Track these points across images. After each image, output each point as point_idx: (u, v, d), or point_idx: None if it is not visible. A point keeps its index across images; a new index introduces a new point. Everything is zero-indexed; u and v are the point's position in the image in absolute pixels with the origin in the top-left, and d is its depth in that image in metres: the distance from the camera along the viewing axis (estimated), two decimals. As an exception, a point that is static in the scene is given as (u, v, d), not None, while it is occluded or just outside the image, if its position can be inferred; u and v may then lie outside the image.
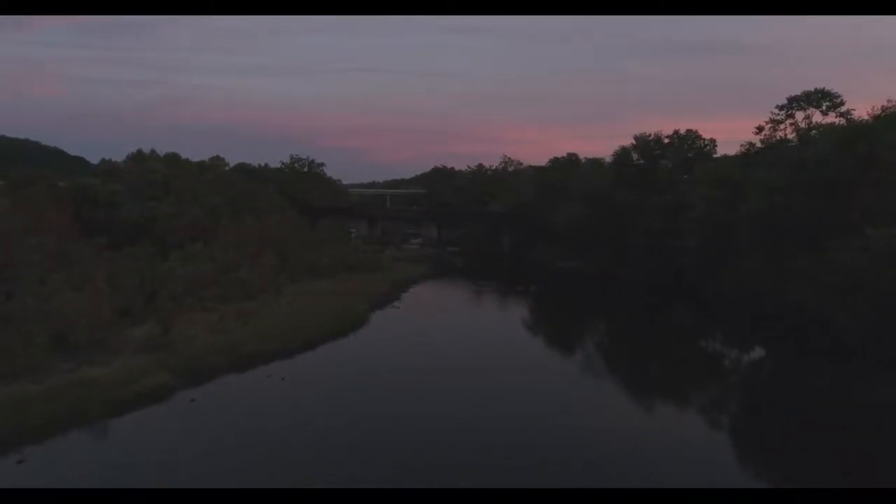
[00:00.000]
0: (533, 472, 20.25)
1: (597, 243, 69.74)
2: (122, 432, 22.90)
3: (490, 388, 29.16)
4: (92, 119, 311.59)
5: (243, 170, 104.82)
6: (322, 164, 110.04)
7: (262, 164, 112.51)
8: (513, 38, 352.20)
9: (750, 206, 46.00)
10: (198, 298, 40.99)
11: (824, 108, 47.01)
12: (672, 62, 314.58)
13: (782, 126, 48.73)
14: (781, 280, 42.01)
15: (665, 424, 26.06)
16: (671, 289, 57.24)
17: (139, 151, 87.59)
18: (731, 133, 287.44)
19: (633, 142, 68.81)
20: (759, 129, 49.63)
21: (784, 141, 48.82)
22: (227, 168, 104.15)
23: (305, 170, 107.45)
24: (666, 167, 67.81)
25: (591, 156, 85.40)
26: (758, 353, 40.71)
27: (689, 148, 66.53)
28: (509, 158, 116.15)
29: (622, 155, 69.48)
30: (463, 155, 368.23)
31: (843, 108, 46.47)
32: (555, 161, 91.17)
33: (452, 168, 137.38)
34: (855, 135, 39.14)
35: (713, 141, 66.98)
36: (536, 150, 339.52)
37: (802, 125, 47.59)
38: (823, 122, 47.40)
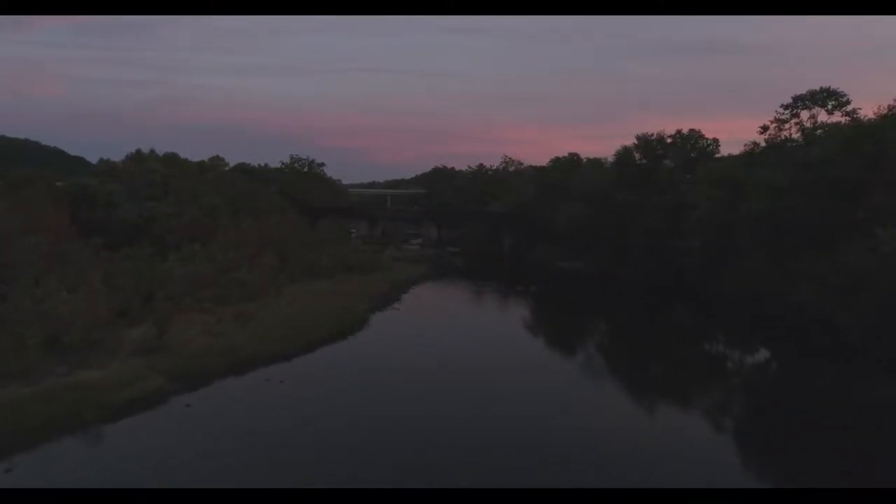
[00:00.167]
0: (533, 472, 20.13)
1: (597, 243, 69.41)
2: (114, 439, 22.41)
3: (490, 388, 29.14)
4: (92, 119, 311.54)
5: (243, 170, 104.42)
6: (322, 164, 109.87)
7: (262, 164, 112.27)
8: (513, 38, 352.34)
9: (752, 206, 45.60)
10: (196, 299, 40.45)
11: (830, 107, 46.46)
12: (672, 62, 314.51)
13: (787, 126, 48.17)
14: (783, 280, 41.77)
15: (664, 424, 26.08)
16: (672, 289, 57.07)
17: (138, 151, 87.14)
18: (732, 133, 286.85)
19: (636, 141, 68.44)
20: (764, 128, 49.12)
21: (789, 140, 48.29)
22: (227, 168, 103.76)
23: (305, 170, 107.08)
24: (668, 167, 67.37)
25: (591, 156, 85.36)
26: (758, 352, 40.40)
27: (692, 148, 66.06)
28: (510, 158, 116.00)
29: (624, 154, 69.06)
30: (463, 155, 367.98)
31: (849, 108, 45.88)
32: (556, 161, 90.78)
33: (453, 168, 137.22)
34: (862, 134, 38.62)
35: (716, 141, 66.57)
36: (536, 150, 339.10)
37: (808, 125, 47.02)
38: (829, 121, 46.87)
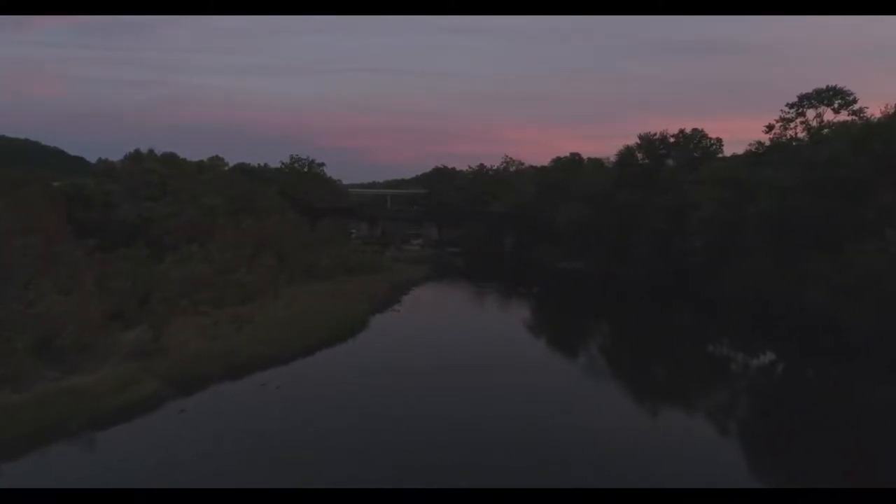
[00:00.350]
0: (533, 472, 20.14)
1: (598, 243, 68.88)
2: (104, 447, 21.73)
3: (490, 389, 29.14)
4: (92, 119, 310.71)
5: (243, 170, 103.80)
6: (322, 165, 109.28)
7: (262, 165, 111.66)
8: (513, 38, 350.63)
9: (758, 206, 45.08)
10: (192, 301, 39.79)
11: (836, 106, 45.82)
12: (672, 62, 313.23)
13: (793, 125, 47.53)
14: (788, 281, 41.38)
15: (664, 424, 26.11)
16: (673, 289, 56.71)
17: (137, 151, 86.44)
18: (732, 133, 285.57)
19: (638, 141, 67.79)
20: (769, 127, 48.47)
21: (794, 140, 47.67)
22: (227, 168, 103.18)
23: (305, 170, 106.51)
24: (671, 167, 66.76)
25: (591, 156, 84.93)
26: (761, 353, 39.97)
27: (695, 147, 65.45)
28: (510, 158, 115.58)
29: (626, 154, 68.44)
30: (463, 155, 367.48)
31: (856, 107, 45.24)
32: (557, 161, 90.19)
33: (453, 168, 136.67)
34: (870, 133, 37.96)
35: (719, 140, 65.98)
36: (537, 150, 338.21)
37: (814, 124, 46.37)
38: (835, 120, 46.25)
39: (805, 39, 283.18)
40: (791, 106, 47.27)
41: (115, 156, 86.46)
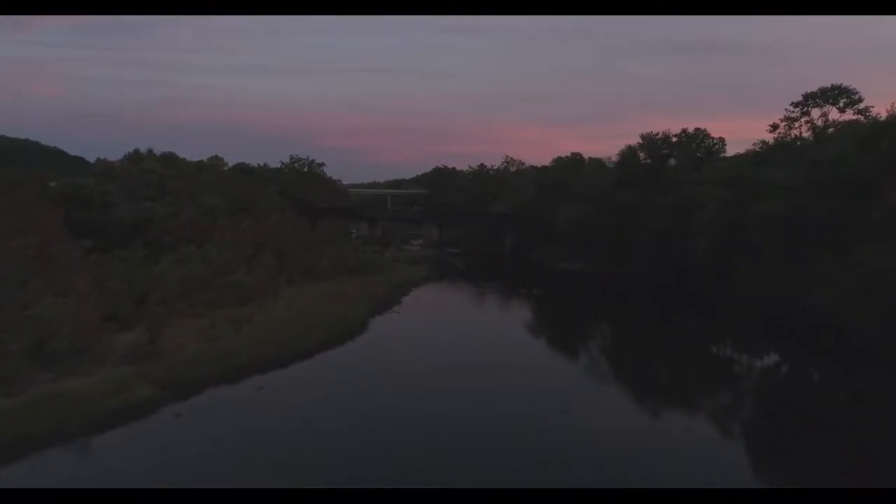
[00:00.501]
0: (533, 472, 20.12)
1: (599, 244, 68.40)
2: (96, 453, 21.22)
3: (490, 388, 29.06)
4: (92, 119, 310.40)
5: (242, 170, 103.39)
6: (322, 164, 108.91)
7: (262, 165, 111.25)
8: (513, 38, 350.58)
9: (762, 206, 44.62)
10: (190, 303, 39.38)
11: (841, 104, 45.30)
12: (672, 62, 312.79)
13: (797, 124, 47.02)
14: (793, 281, 40.98)
15: (663, 424, 26.14)
16: (675, 290, 56.39)
17: (136, 151, 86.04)
18: (732, 133, 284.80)
19: (640, 141, 67.29)
20: (774, 126, 47.97)
21: (799, 139, 47.18)
22: (226, 168, 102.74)
23: (305, 170, 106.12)
24: (673, 166, 66.26)
25: (591, 156, 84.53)
26: (762, 354, 39.62)
27: (698, 147, 64.95)
28: (511, 158, 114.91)
29: (628, 154, 67.94)
30: (463, 155, 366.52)
31: (861, 106, 44.72)
32: (558, 160, 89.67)
33: (453, 168, 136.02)
34: (877, 133, 37.46)
35: (722, 140, 65.45)
36: (537, 150, 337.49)
37: (819, 123, 45.88)
38: (840, 119, 45.76)
39: (805, 39, 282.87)
40: (796, 105, 46.78)
41: (116, 156, 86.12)
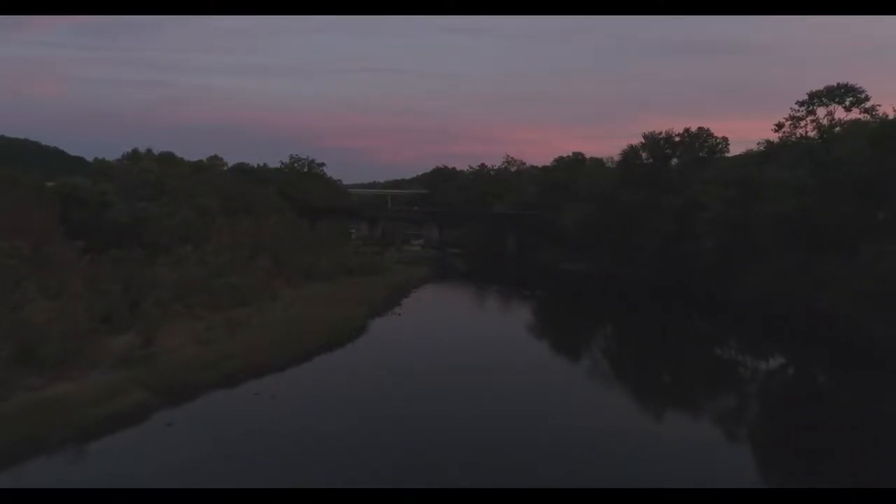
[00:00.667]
0: (533, 472, 20.11)
1: (601, 244, 67.81)
2: (82, 462, 20.47)
3: (490, 389, 28.89)
4: (92, 119, 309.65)
5: (242, 170, 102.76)
6: (322, 164, 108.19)
7: (262, 165, 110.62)
8: (513, 38, 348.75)
9: (767, 206, 43.99)
10: (186, 305, 38.70)
11: (847, 103, 44.53)
12: (672, 62, 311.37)
13: (803, 123, 46.27)
14: (799, 283, 40.49)
15: (664, 425, 26.19)
16: (678, 291, 55.91)
17: (134, 151, 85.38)
18: (732, 133, 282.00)
19: (642, 140, 66.66)
20: (779, 125, 47.20)
21: (804, 139, 46.45)
22: (226, 168, 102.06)
23: (305, 170, 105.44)
24: (676, 166, 65.62)
25: (591, 156, 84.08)
26: (765, 355, 39.03)
27: (701, 147, 64.27)
28: (511, 158, 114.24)
29: (631, 154, 67.29)
30: (464, 155, 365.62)
31: (868, 104, 43.95)
32: (560, 160, 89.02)
33: (454, 168, 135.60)
34: (886, 132, 36.77)
35: (725, 140, 64.89)
36: (537, 150, 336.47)
37: (824, 122, 45.13)
38: (846, 118, 45.02)
39: (805, 39, 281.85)
40: (801, 104, 45.98)
41: (115, 156, 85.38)
